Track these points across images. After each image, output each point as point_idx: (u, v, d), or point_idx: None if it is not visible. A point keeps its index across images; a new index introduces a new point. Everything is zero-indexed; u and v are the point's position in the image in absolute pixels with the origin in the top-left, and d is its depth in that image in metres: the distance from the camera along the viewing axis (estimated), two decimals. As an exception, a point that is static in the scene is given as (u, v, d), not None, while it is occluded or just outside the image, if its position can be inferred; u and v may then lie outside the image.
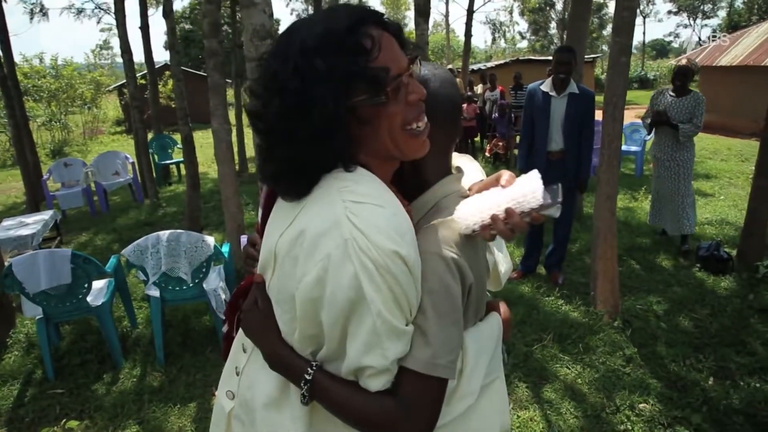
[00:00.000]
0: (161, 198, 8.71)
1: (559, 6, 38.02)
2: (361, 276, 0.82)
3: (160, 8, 7.67)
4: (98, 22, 22.52)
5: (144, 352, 3.78)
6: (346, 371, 0.91)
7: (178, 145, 8.98)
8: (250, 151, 10.80)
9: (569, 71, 4.04)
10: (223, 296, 3.66)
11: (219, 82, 4.74)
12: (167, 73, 17.85)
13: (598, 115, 3.91)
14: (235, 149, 8.42)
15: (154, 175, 9.00)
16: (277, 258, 0.93)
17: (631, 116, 11.34)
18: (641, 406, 2.97)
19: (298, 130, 0.87)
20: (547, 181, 0.97)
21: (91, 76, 20.57)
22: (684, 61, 4.87)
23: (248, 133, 11.30)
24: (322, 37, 0.86)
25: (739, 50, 13.31)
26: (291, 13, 39.27)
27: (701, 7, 44.68)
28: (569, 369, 3.35)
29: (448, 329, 0.92)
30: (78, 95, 18.74)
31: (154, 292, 3.59)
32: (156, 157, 10.04)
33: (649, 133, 5.08)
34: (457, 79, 11.42)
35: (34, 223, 5.17)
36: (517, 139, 7.70)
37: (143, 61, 9.19)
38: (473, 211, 0.98)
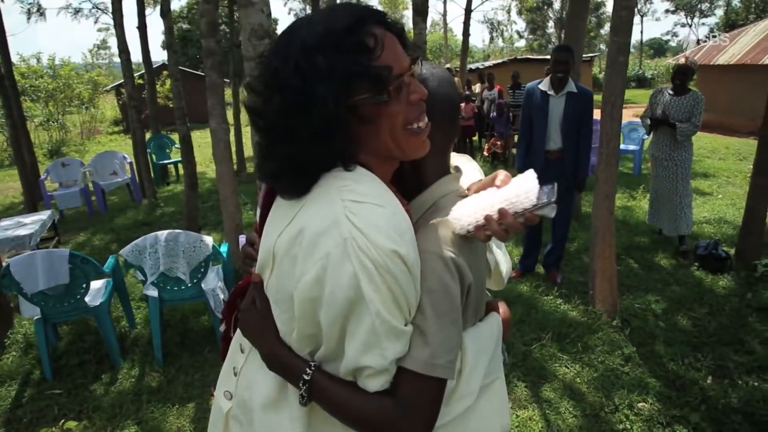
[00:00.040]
0: (159, 198, 8.70)
1: (556, 5, 38.07)
2: (360, 275, 0.82)
3: (158, 8, 7.66)
4: (95, 22, 22.57)
5: (142, 352, 3.77)
6: (344, 371, 0.90)
7: (176, 145, 8.96)
8: (249, 150, 10.80)
9: (567, 70, 4.04)
10: (221, 296, 3.65)
11: (217, 81, 4.73)
12: (165, 72, 17.83)
13: (597, 114, 3.92)
14: (233, 149, 8.43)
15: (152, 175, 9.00)
16: (275, 257, 0.93)
17: (629, 115, 11.37)
18: (640, 405, 2.97)
19: (298, 127, 0.87)
20: (545, 181, 0.97)
21: (89, 75, 20.53)
22: (682, 60, 4.87)
23: (246, 133, 11.29)
24: (324, 35, 0.86)
25: (736, 49, 13.32)
26: (289, 13, 39.23)
27: (699, 6, 44.74)
28: (568, 368, 3.36)
29: (447, 329, 0.92)
30: (75, 95, 18.72)
31: (153, 292, 3.59)
32: (154, 156, 10.02)
33: (648, 133, 5.08)
34: (455, 78, 11.42)
35: (31, 223, 5.16)
36: (516, 138, 7.72)
37: (141, 60, 9.17)
38: (468, 211, 0.98)
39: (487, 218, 0.95)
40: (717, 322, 3.80)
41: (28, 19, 14.73)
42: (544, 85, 4.18)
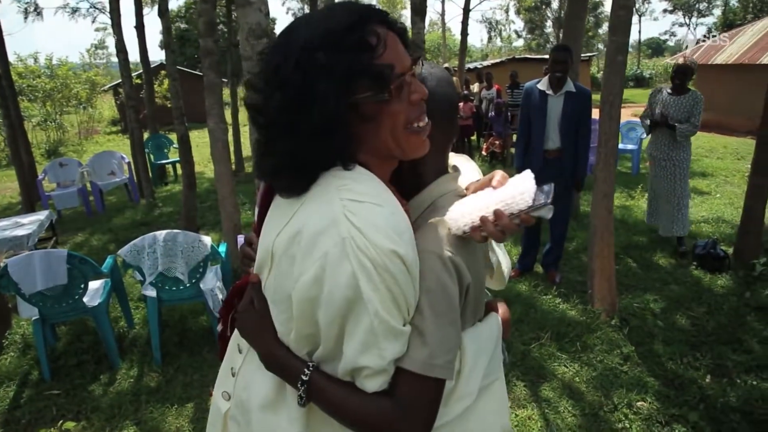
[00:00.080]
0: (157, 198, 8.68)
1: (555, 5, 38.07)
2: (358, 275, 0.82)
3: (156, 7, 7.65)
4: (93, 22, 22.52)
5: (141, 353, 3.76)
6: (342, 371, 0.90)
7: (174, 145, 8.95)
8: (247, 150, 10.79)
9: (566, 70, 4.04)
10: (220, 296, 3.65)
11: (215, 81, 4.72)
12: (163, 72, 17.77)
13: (595, 113, 3.92)
14: (232, 149, 8.41)
15: (150, 174, 8.98)
16: (274, 257, 0.92)
17: (627, 114, 11.38)
18: (639, 404, 2.98)
19: (299, 124, 0.87)
20: (544, 180, 0.97)
21: (87, 75, 20.45)
22: (681, 60, 4.87)
23: (245, 133, 11.30)
24: (326, 32, 0.86)
25: (734, 48, 13.34)
26: (287, 12, 39.22)
27: (696, 6, 44.77)
28: (567, 367, 3.36)
29: (446, 329, 0.92)
30: (73, 95, 18.66)
31: (151, 293, 3.58)
32: (152, 156, 10.00)
33: (648, 133, 5.08)
34: (454, 78, 11.42)
35: (29, 223, 5.14)
36: (514, 137, 7.72)
37: (139, 60, 9.16)
38: (464, 212, 0.98)
39: (483, 219, 0.95)
40: (715, 321, 3.81)
41: (26, 18, 14.67)
42: (543, 84, 4.18)
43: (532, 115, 4.23)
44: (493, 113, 9.98)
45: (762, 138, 4.63)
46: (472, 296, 1.02)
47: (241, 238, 3.80)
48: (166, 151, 10.52)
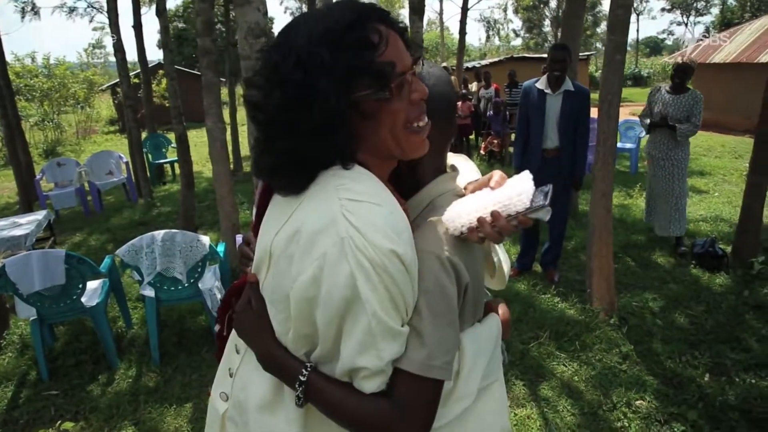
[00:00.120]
0: (155, 197, 8.67)
1: (553, 4, 38.08)
2: (356, 275, 0.82)
3: (153, 7, 7.63)
4: (91, 21, 22.48)
5: (139, 353, 3.76)
6: (340, 372, 0.90)
7: (172, 144, 8.94)
8: (245, 149, 10.78)
9: (564, 69, 4.04)
10: (218, 296, 3.65)
11: (213, 80, 4.71)
12: (161, 72, 17.72)
13: (594, 112, 3.92)
14: (230, 148, 8.39)
15: (148, 174, 8.96)
16: (272, 256, 0.92)
17: (625, 113, 11.39)
18: (638, 403, 2.98)
19: (299, 122, 0.86)
20: (542, 179, 0.96)
21: (84, 75, 20.40)
22: (680, 59, 4.86)
23: (243, 132, 11.28)
24: (328, 30, 0.86)
25: (732, 47, 13.36)
26: (285, 12, 39.22)
27: (694, 5, 44.79)
28: (566, 366, 3.36)
29: (444, 330, 0.92)
30: (71, 94, 18.61)
31: (149, 292, 3.58)
32: (150, 156, 10.00)
33: (647, 133, 5.07)
34: (452, 77, 11.42)
35: (27, 223, 5.13)
36: (512, 136, 7.72)
37: (136, 60, 9.14)
38: (461, 213, 0.97)
39: (480, 220, 0.95)
40: (714, 319, 3.81)
41: (23, 18, 14.65)
42: (541, 83, 4.18)
43: (531, 114, 4.23)
44: (491, 112, 9.98)
45: (760, 137, 4.63)
46: (470, 296, 1.02)
47: (239, 238, 3.80)
48: (164, 150, 10.51)
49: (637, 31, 48.18)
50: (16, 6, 14.67)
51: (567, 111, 4.08)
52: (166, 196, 9.10)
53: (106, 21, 8.61)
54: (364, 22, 0.87)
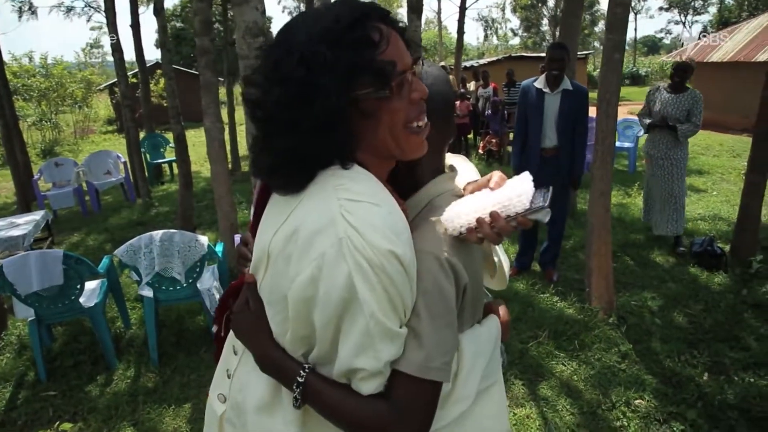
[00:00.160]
0: (153, 197, 8.66)
1: (550, 3, 38.07)
2: (355, 275, 0.81)
3: (151, 6, 7.62)
4: (88, 21, 22.44)
5: (138, 353, 3.75)
6: (337, 373, 0.89)
7: (170, 144, 8.93)
8: (243, 149, 10.76)
9: (562, 68, 4.03)
10: (217, 296, 3.64)
11: (211, 80, 4.70)
12: (158, 71, 17.74)
13: (592, 111, 3.91)
14: (228, 148, 8.39)
15: (146, 174, 8.94)
16: (270, 256, 0.92)
17: (623, 112, 11.39)
18: (637, 402, 2.98)
19: (300, 120, 0.86)
20: (541, 178, 0.96)
21: (82, 74, 20.36)
22: (680, 58, 4.86)
23: (241, 132, 11.26)
24: (330, 28, 0.85)
25: (729, 46, 13.37)
26: (283, 11, 39.25)
27: (692, 4, 44.84)
28: (565, 366, 3.36)
29: (442, 331, 0.91)
30: (68, 94, 18.57)
31: (148, 293, 3.57)
32: (148, 156, 9.98)
33: (646, 132, 5.07)
34: (450, 76, 11.40)
35: (25, 223, 5.12)
36: (511, 136, 7.71)
37: (134, 59, 9.13)
38: (460, 213, 0.97)
39: (479, 221, 0.94)
40: (713, 318, 3.81)
41: (20, 17, 14.64)
42: (540, 82, 4.18)
43: (529, 113, 4.23)
44: (489, 111, 9.98)
45: (758, 135, 4.63)
46: (469, 297, 1.01)
47: (237, 238, 3.79)
48: (162, 150, 10.49)
49: (635, 30, 48.11)
50: (13, 5, 14.68)
51: (565, 110, 4.08)
52: (164, 195, 9.09)
53: (104, 20, 8.59)
54: (365, 21, 0.87)
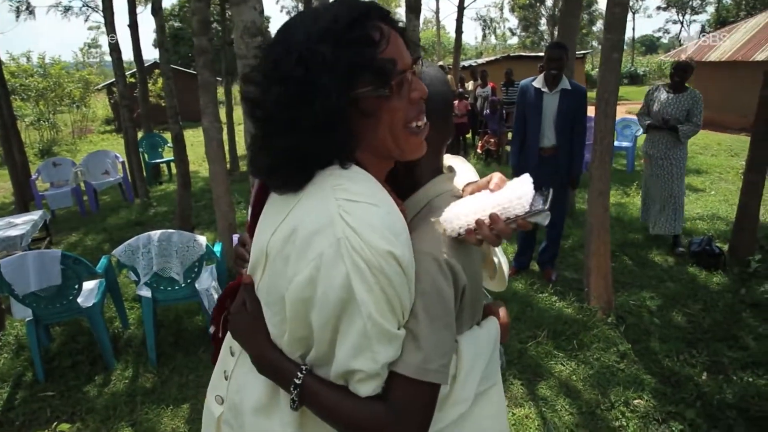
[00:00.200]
0: (152, 197, 8.64)
1: (549, 2, 38.12)
2: (352, 276, 0.81)
3: (149, 6, 7.61)
4: (86, 20, 22.38)
5: (136, 353, 3.74)
6: (335, 375, 0.89)
7: (169, 144, 8.92)
8: (241, 149, 10.75)
9: (561, 67, 4.03)
10: (215, 296, 3.63)
11: (209, 79, 4.70)
12: (157, 71, 17.72)
13: (590, 111, 3.91)
14: (226, 147, 8.39)
15: (145, 174, 8.94)
16: (268, 257, 0.91)
17: (621, 112, 11.39)
18: (636, 402, 2.98)
19: (299, 119, 0.86)
20: (539, 178, 0.96)
21: (80, 74, 20.34)
22: (681, 57, 4.85)
23: (239, 131, 11.26)
24: (330, 26, 0.85)
25: (727, 46, 13.39)
26: (281, 11, 39.21)
27: (690, 3, 44.91)
28: (564, 366, 3.36)
29: (440, 333, 0.91)
30: (66, 94, 18.56)
31: (146, 293, 3.56)
32: (146, 156, 9.96)
33: (645, 132, 5.07)
34: (448, 76, 11.40)
35: (23, 223, 5.11)
36: (509, 135, 7.70)
37: (132, 59, 9.11)
38: (460, 214, 0.96)
39: (479, 222, 0.94)
40: (711, 318, 3.82)
41: (17, 17, 14.58)
42: (538, 82, 4.17)
43: (528, 113, 4.23)
44: (488, 111, 9.98)
45: (756, 135, 4.64)
46: (468, 299, 1.01)
47: (236, 237, 3.78)
48: (160, 150, 10.48)
49: (633, 29, 48.18)
50: (10, 5, 14.62)
51: (564, 109, 4.08)
52: (162, 195, 9.08)
53: (102, 20, 8.58)
54: (365, 20, 0.87)
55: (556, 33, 6.57)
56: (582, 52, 23.18)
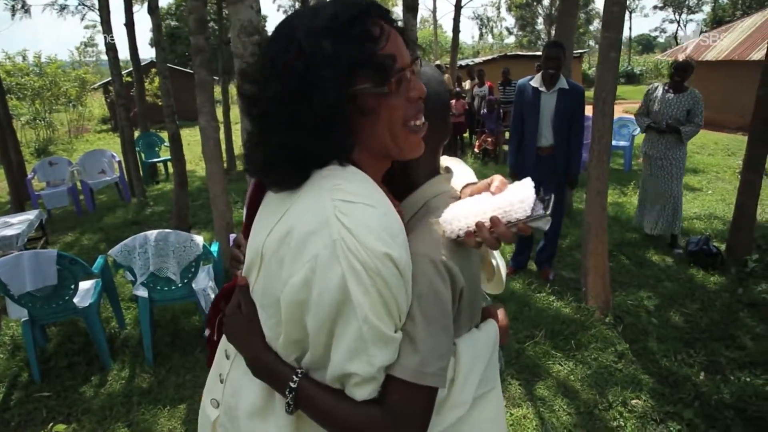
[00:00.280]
0: (148, 197, 8.62)
1: (546, 1, 38.13)
2: (348, 278, 0.80)
3: (146, 5, 7.58)
4: (82, 19, 22.29)
5: (132, 354, 3.73)
6: (330, 378, 0.88)
7: (165, 143, 8.89)
8: (238, 148, 10.71)
9: (558, 66, 4.03)
10: (212, 296, 3.62)
11: (206, 79, 4.68)
12: (153, 70, 17.68)
13: (588, 110, 3.91)
14: (223, 146, 8.37)
15: (141, 173, 8.91)
16: (263, 258, 0.90)
17: (619, 111, 11.41)
18: (633, 402, 2.98)
19: (298, 115, 0.85)
20: (537, 178, 0.95)
21: (76, 73, 20.25)
22: (681, 56, 4.83)
23: (236, 131, 11.23)
24: (329, 23, 0.84)
25: (724, 45, 13.41)
26: (278, 10, 39.13)
27: (687, 2, 44.95)
28: (562, 366, 3.35)
29: (438, 336, 0.90)
30: (62, 93, 18.48)
31: (142, 293, 3.55)
32: (143, 155, 9.93)
33: (643, 131, 5.06)
34: (446, 75, 11.40)
35: (18, 223, 5.09)
36: (506, 134, 7.71)
37: (129, 58, 9.08)
38: (459, 216, 0.95)
39: (479, 225, 0.93)
40: (709, 317, 3.82)
41: (13, 15, 14.53)
42: (536, 81, 4.17)
43: (525, 112, 4.22)
44: (485, 110, 9.97)
45: (753, 134, 4.64)
46: (466, 301, 1.00)
47: (233, 237, 3.77)
48: (157, 149, 10.45)
49: (630, 28, 48.17)
50: (5, 4, 14.56)
51: (561, 109, 4.08)
52: (159, 195, 9.05)
53: (98, 19, 8.55)
54: (365, 17, 0.86)
55: (553, 32, 6.57)
56: (579, 51, 23.15)
